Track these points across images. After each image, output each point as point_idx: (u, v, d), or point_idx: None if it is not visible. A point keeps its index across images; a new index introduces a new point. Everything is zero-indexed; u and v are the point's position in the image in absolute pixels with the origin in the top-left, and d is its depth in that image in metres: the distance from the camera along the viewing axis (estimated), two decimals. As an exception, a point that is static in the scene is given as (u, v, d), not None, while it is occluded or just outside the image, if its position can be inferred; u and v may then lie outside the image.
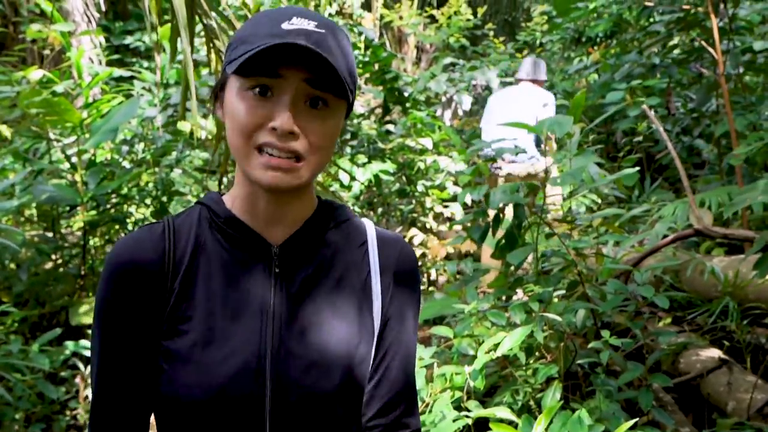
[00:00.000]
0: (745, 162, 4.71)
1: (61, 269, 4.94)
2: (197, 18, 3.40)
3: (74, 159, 4.86)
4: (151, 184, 5.34)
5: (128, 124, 5.58)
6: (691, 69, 6.39)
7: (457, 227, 6.28)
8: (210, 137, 5.86)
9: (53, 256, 4.96)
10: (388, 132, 7.00)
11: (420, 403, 2.77)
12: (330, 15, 9.29)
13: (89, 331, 4.37)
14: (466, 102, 8.28)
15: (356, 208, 6.58)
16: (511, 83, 7.72)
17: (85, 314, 4.49)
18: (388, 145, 6.73)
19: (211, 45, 3.51)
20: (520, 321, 2.85)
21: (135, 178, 5.06)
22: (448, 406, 2.69)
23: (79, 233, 5.35)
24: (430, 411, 2.71)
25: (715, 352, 3.45)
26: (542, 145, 4.92)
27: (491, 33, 11.43)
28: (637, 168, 3.75)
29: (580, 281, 3.18)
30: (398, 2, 13.50)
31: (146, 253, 1.15)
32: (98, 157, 5.39)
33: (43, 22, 7.28)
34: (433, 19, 11.83)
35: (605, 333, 2.82)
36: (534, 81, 5.96)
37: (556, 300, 3.12)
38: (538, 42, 10.95)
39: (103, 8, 9.28)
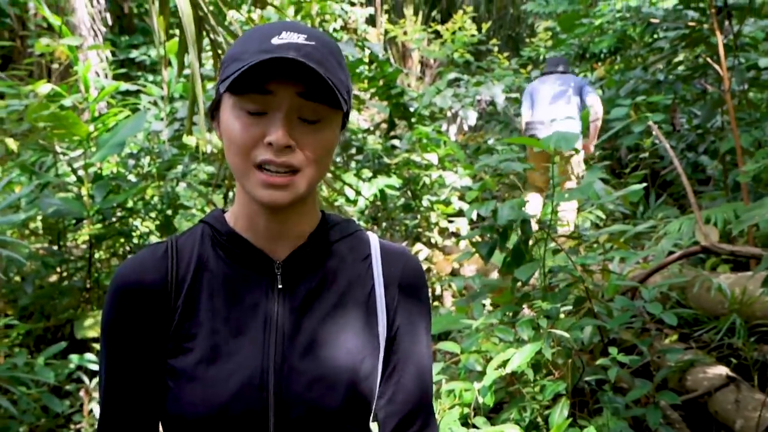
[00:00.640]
0: (752, 179, 4.71)
1: (66, 282, 4.94)
2: (204, 33, 3.43)
3: (81, 172, 4.86)
4: (156, 198, 5.35)
5: (134, 137, 5.59)
6: (695, 85, 6.42)
7: (463, 243, 6.28)
8: (216, 151, 5.88)
9: (58, 269, 4.95)
10: (394, 147, 7.02)
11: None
12: (335, 30, 9.34)
13: (94, 345, 4.39)
14: (472, 117, 8.30)
15: (362, 223, 6.57)
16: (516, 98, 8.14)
17: (90, 328, 4.49)
18: (394, 160, 6.74)
19: (218, 59, 3.53)
20: (528, 337, 2.85)
21: (141, 192, 5.07)
22: (456, 422, 2.68)
23: (84, 246, 5.35)
24: (438, 428, 2.70)
25: (722, 370, 3.44)
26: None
27: (495, 48, 11.47)
28: (643, 184, 3.75)
29: (587, 297, 3.18)
30: (402, 17, 13.57)
31: (149, 273, 1.16)
32: (104, 171, 5.41)
33: (51, 35, 7.33)
34: (437, 34, 11.87)
35: (613, 350, 2.81)
36: (563, 72, 6.85)
37: (562, 316, 3.12)
38: (542, 58, 10.98)
39: (110, 22, 9.33)
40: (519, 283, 3.36)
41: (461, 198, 6.56)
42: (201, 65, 3.75)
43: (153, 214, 5.30)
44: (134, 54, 11.78)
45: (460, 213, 6.47)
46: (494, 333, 3.03)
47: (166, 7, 3.35)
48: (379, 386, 1.22)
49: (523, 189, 6.41)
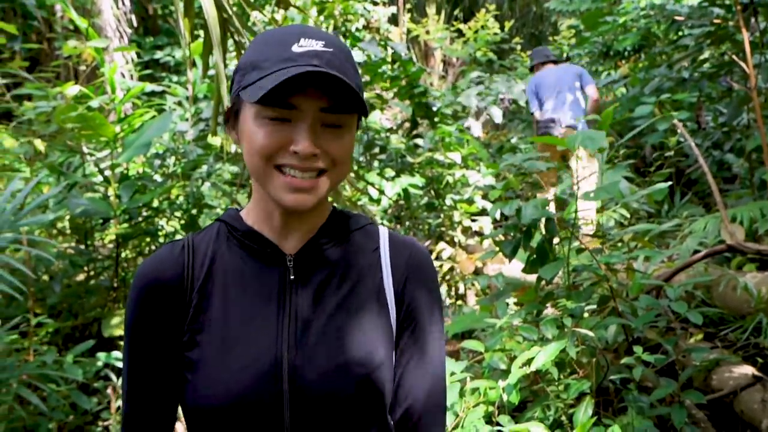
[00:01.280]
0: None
1: (93, 281, 5.00)
2: (229, 35, 3.45)
3: (107, 173, 4.92)
4: (181, 198, 5.40)
5: (160, 138, 5.65)
6: (721, 83, 6.36)
7: (486, 242, 6.28)
8: (240, 151, 5.91)
9: (86, 269, 5.02)
10: (417, 146, 7.03)
11: (453, 418, 2.77)
12: (357, 30, 9.36)
13: (121, 343, 4.43)
14: (498, 115, 8.32)
15: (385, 222, 6.59)
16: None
17: (116, 326, 4.54)
18: (417, 159, 6.75)
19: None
20: (552, 336, 2.85)
21: (166, 192, 5.12)
22: (481, 420, 2.69)
23: (111, 246, 5.41)
24: (463, 426, 2.71)
25: (748, 369, 3.41)
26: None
27: (518, 47, 11.44)
28: (668, 183, 3.73)
29: (611, 296, 3.17)
30: (425, 17, 13.56)
31: (167, 270, 1.20)
32: (131, 171, 5.46)
33: (77, 38, 7.41)
34: (460, 33, 11.86)
35: (637, 349, 2.80)
36: (554, 62, 7.25)
37: (587, 315, 3.11)
38: (565, 56, 10.92)
39: (135, 24, 9.42)
40: (543, 282, 3.36)
41: (484, 197, 6.55)
42: (225, 66, 3.78)
43: (178, 214, 5.34)
44: (159, 55, 11.87)
45: (483, 212, 6.47)
46: (518, 332, 3.04)
47: (191, 8, 3.38)
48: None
49: (542, 187, 6.41)
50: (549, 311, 3.46)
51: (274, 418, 1.14)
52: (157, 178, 5.54)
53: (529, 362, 2.73)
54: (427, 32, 12.25)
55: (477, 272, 6.09)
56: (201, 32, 4.84)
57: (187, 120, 6.04)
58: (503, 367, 2.93)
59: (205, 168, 5.57)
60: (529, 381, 3.11)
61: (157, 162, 5.86)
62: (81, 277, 5.04)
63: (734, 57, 5.27)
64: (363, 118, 1.24)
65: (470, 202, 6.59)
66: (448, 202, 6.60)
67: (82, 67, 8.11)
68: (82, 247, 5.12)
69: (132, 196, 4.82)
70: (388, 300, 1.24)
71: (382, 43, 7.08)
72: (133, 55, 8.56)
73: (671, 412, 2.77)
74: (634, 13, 7.69)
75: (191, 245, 1.23)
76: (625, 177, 3.40)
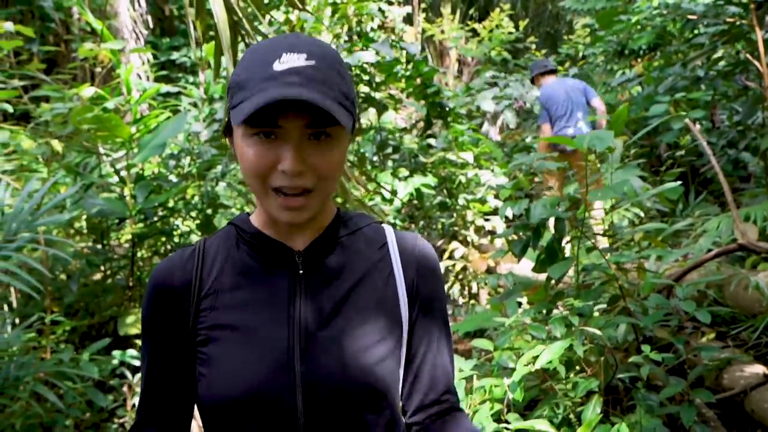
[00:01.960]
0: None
1: (109, 280, 5.06)
2: (240, 38, 3.48)
3: (123, 173, 4.98)
4: (196, 198, 5.45)
5: (175, 138, 5.69)
6: (736, 82, 6.32)
7: (498, 241, 6.28)
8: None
9: (102, 268, 5.08)
10: (430, 146, 7.04)
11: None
12: (372, 30, 9.37)
13: (137, 341, 4.49)
14: (512, 120, 8.36)
15: (398, 222, 6.61)
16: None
17: (132, 325, 4.59)
18: (430, 159, 6.76)
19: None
20: (561, 334, 2.86)
21: (181, 192, 5.17)
22: (488, 418, 2.70)
23: (127, 245, 5.46)
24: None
25: (759, 368, 3.40)
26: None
27: (533, 46, 11.42)
28: (681, 182, 3.72)
29: (621, 295, 3.17)
30: (440, 16, 13.56)
31: (177, 273, 1.26)
32: (146, 171, 5.51)
33: (94, 39, 7.48)
34: (474, 32, 11.85)
35: (646, 348, 2.81)
36: (553, 71, 7.37)
37: (596, 314, 3.12)
38: (580, 55, 10.90)
39: (151, 25, 9.49)
40: (553, 281, 3.37)
41: (497, 196, 6.56)
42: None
43: (193, 214, 5.39)
44: (175, 56, 11.94)
45: (496, 211, 6.48)
46: (527, 330, 3.05)
47: (202, 11, 3.41)
48: (403, 367, 1.29)
49: (550, 187, 6.43)
50: (559, 310, 3.47)
51: (288, 410, 1.17)
52: (173, 178, 5.59)
53: (534, 360, 2.74)
54: (442, 32, 12.26)
55: (489, 271, 6.10)
56: (215, 33, 4.87)
57: (201, 120, 6.08)
58: (512, 365, 2.94)
59: (219, 168, 5.61)
60: (539, 380, 3.12)
61: (172, 162, 5.91)
62: (97, 276, 5.10)
63: (749, 56, 5.24)
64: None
65: (483, 201, 6.61)
66: (461, 201, 6.61)
67: (99, 69, 8.18)
68: (99, 246, 5.18)
69: (147, 196, 4.87)
70: (399, 293, 1.28)
71: (395, 43, 7.09)
72: (149, 56, 8.63)
73: (681, 411, 2.77)
74: (649, 11, 7.65)
75: (202, 250, 1.28)
76: (639, 176, 3.39)
